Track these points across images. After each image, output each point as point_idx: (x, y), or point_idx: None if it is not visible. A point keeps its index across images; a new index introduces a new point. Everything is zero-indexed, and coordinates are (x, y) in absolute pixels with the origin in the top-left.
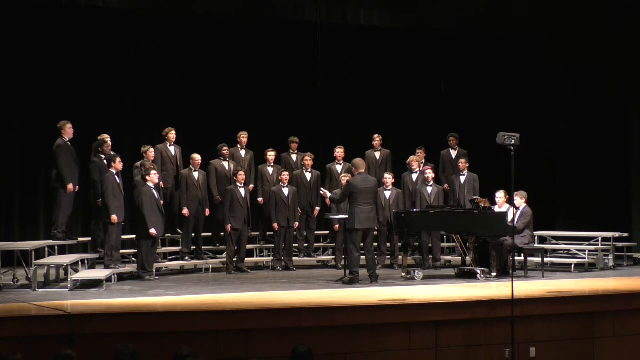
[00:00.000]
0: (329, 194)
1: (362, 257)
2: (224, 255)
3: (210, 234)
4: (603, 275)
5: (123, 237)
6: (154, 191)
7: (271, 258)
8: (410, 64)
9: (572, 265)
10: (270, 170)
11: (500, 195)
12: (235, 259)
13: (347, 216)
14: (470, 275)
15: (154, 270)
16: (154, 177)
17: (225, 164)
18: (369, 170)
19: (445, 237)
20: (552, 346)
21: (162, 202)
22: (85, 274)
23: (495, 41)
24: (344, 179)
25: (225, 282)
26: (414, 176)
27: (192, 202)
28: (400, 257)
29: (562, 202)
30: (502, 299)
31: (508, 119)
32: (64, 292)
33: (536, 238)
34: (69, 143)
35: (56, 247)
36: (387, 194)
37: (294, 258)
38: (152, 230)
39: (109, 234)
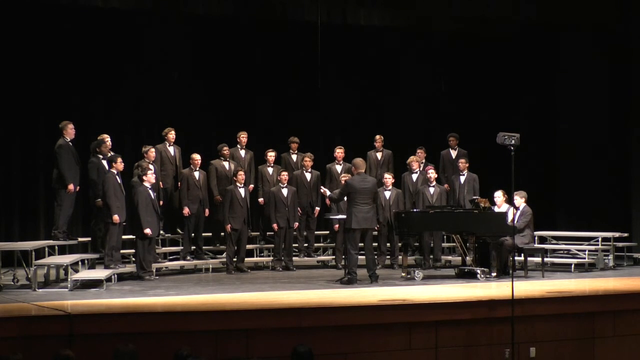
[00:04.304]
0: (328, 193)
1: (360, 257)
2: (224, 255)
3: (210, 234)
4: (603, 275)
5: (123, 237)
6: (150, 191)
7: (271, 258)
8: (410, 64)
9: (572, 265)
10: (270, 170)
11: (498, 195)
12: (235, 259)
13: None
14: (470, 275)
15: (154, 270)
16: (150, 177)
17: (226, 164)
18: (370, 171)
19: (445, 237)
20: (552, 346)
21: (161, 202)
22: (85, 274)
23: (495, 41)
24: (344, 179)
25: (225, 282)
26: (414, 176)
27: (192, 201)
28: (400, 257)
29: (562, 202)
30: (502, 299)
31: (508, 119)
32: (64, 292)
33: (536, 238)
34: (70, 143)
35: (56, 247)
36: (387, 194)
37: (294, 258)
38: (147, 230)
39: (109, 233)
